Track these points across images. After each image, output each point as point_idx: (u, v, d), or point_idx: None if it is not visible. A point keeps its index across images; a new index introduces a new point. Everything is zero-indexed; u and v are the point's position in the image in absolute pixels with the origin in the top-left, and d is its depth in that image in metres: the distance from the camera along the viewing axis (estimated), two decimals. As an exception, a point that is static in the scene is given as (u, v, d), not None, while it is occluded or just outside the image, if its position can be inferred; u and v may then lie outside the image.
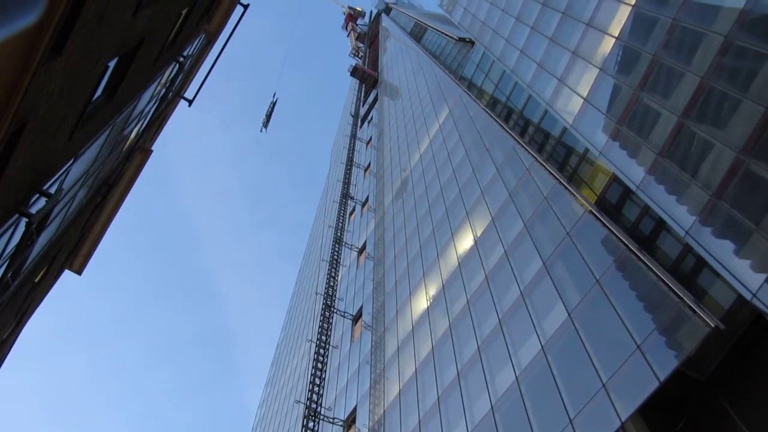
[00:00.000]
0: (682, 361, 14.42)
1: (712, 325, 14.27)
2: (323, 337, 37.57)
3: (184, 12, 13.83)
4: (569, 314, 18.67)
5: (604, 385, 15.75)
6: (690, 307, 15.05)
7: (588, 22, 26.05)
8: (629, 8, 22.89)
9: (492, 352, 21.76)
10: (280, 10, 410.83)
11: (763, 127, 14.28)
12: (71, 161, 10.69)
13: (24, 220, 9.48)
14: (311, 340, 43.09)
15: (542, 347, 18.97)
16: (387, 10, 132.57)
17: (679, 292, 15.58)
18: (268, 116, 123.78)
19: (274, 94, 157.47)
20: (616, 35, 23.16)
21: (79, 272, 27.88)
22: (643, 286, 17.15)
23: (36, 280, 18.10)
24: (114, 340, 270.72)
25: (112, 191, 23.05)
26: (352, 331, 38.03)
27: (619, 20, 23.40)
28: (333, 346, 38.87)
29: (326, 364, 36.81)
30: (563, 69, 26.82)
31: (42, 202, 10.02)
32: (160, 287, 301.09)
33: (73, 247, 23.53)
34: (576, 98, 24.61)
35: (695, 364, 15.22)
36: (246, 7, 20.70)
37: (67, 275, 28.03)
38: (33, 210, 9.62)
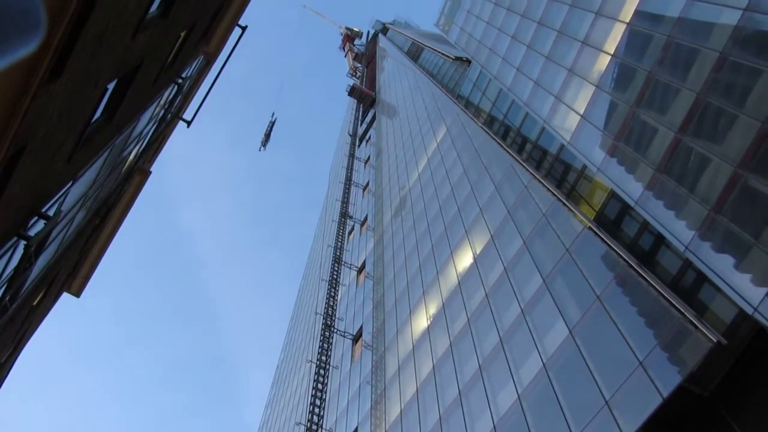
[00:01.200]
0: (684, 377, 14.35)
1: (714, 340, 14.21)
2: (323, 358, 37.36)
3: (183, 34, 13.93)
4: (570, 331, 18.59)
5: (607, 402, 15.64)
6: (691, 323, 15.00)
7: (583, 40, 26.25)
8: (624, 26, 23.09)
9: (493, 371, 21.63)
10: (278, 32, 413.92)
11: (760, 141, 14.34)
12: (70, 183, 10.70)
13: (22, 242, 9.46)
14: (311, 361, 42.85)
15: (544, 365, 18.87)
16: (384, 30, 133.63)
17: (680, 308, 15.54)
18: (267, 135, 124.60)
19: (273, 113, 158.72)
20: (612, 52, 23.34)
21: (77, 295, 27.78)
22: (643, 301, 17.10)
23: (34, 303, 18.03)
24: (112, 363, 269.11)
25: (111, 213, 23.05)
26: (353, 351, 37.83)
27: (614, 38, 23.59)
28: (333, 367, 38.64)
29: (326, 384, 36.56)
30: (560, 86, 26.98)
31: (41, 224, 10.02)
32: (160, 309, 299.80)
33: (72, 270, 23.46)
34: (573, 115, 24.73)
35: (698, 380, 15.13)
36: (244, 28, 20.86)
37: (66, 298, 27.94)
38: (31, 232, 9.60)
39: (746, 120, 15.07)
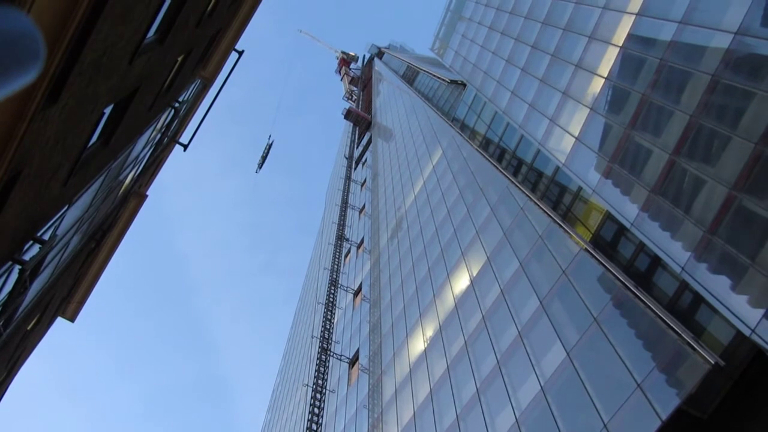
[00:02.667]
0: (683, 400, 14.26)
1: (712, 362, 14.15)
2: (320, 381, 37.07)
3: (180, 59, 14.02)
4: (568, 354, 18.50)
5: (605, 425, 15.51)
6: (689, 344, 14.94)
7: (577, 64, 26.50)
8: (617, 49, 23.33)
9: (491, 394, 21.48)
10: (275, 57, 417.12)
11: (754, 162, 14.43)
12: (66, 208, 10.69)
13: (17, 267, 9.42)
14: (307, 385, 42.49)
15: (542, 388, 18.74)
16: (379, 54, 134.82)
17: (677, 329, 15.49)
18: (264, 157, 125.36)
19: (270, 136, 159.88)
20: (606, 75, 23.55)
21: (72, 319, 27.60)
22: (641, 323, 17.05)
23: (28, 328, 17.90)
24: (108, 388, 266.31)
25: (107, 237, 22.99)
26: (349, 374, 37.55)
27: (607, 61, 23.82)
28: (330, 391, 38.32)
29: (323, 409, 36.21)
30: (554, 109, 27.17)
31: (36, 248, 9.98)
32: (156, 334, 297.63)
33: (66, 294, 23.33)
34: (568, 137, 24.87)
35: (696, 402, 15.04)
36: (241, 53, 21.03)
37: (60, 322, 27.74)
38: (26, 257, 9.57)
39: (739, 142, 15.18)
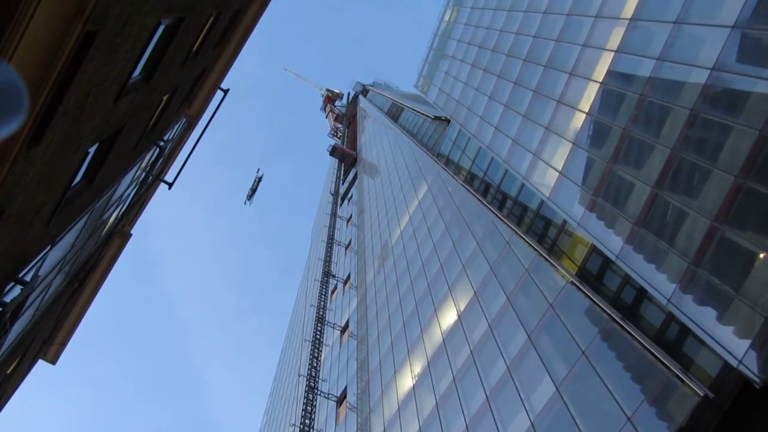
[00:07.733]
0: (674, 433, 14.16)
1: (701, 394, 14.11)
2: (307, 421, 36.46)
3: (165, 98, 14.07)
4: (557, 388, 18.38)
5: (597, 461, 15.35)
6: (678, 377, 14.91)
7: (559, 99, 26.93)
8: (597, 85, 23.76)
9: (481, 431, 21.21)
10: (262, 96, 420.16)
11: (735, 194, 14.63)
12: (48, 248, 10.57)
13: (-2, 309, 9.26)
14: (294, 425, 41.75)
15: (532, 423, 18.55)
16: (364, 91, 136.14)
17: (665, 362, 15.47)
18: (253, 190, 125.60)
19: (258, 169, 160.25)
20: (587, 111, 23.93)
21: (53, 362, 27.06)
22: (629, 356, 17.01)
23: (8, 372, 17.51)
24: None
25: (90, 277, 22.70)
26: (337, 413, 36.98)
27: (588, 96, 24.23)
28: (317, 430, 37.66)
29: (311, 449, 35.52)
30: (537, 144, 27.49)
31: (17, 290, 9.83)
32: (140, 378, 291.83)
33: (48, 336, 22.92)
34: (551, 172, 25.12)
35: (687, 436, 14.93)
36: (226, 92, 21.17)
37: (41, 365, 27.16)
38: (7, 298, 9.41)
39: (720, 174, 15.40)
